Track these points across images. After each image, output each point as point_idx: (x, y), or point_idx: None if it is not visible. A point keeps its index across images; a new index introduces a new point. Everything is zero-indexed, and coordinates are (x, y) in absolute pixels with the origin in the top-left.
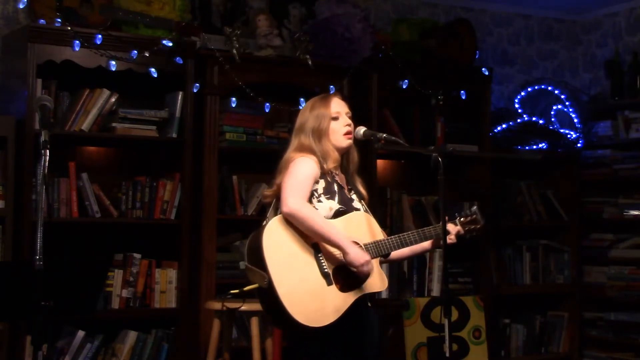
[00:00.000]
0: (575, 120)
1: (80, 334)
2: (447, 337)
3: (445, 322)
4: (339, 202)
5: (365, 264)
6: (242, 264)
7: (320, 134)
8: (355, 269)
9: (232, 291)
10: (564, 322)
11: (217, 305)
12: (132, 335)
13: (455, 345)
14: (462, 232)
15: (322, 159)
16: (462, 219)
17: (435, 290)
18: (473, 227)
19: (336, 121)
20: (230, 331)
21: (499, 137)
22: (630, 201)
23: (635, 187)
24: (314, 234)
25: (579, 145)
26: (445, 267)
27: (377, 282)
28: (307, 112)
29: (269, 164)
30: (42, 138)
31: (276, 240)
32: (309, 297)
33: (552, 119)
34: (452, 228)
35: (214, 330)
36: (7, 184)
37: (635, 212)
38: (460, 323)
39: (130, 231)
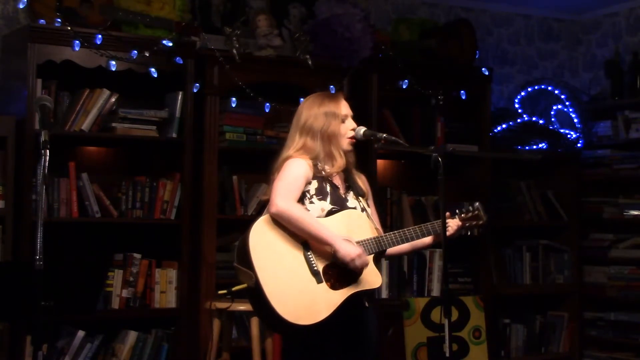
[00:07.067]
0: (575, 120)
1: (80, 334)
2: (447, 337)
3: (445, 322)
4: (332, 203)
5: (356, 259)
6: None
7: (329, 136)
8: (347, 265)
9: (220, 292)
10: (564, 322)
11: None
12: (132, 335)
13: (455, 345)
14: (461, 226)
15: (323, 161)
16: (462, 215)
17: (435, 290)
18: (475, 222)
19: (344, 124)
20: (230, 331)
21: (499, 137)
22: (630, 201)
23: (635, 187)
24: (304, 232)
25: (579, 145)
26: (445, 267)
27: (371, 279)
28: (315, 109)
29: (269, 164)
30: (42, 138)
31: (263, 240)
32: (298, 295)
33: (552, 119)
34: (452, 222)
35: (214, 330)
36: (7, 184)
37: (635, 212)
38: (460, 323)
39: (130, 231)
